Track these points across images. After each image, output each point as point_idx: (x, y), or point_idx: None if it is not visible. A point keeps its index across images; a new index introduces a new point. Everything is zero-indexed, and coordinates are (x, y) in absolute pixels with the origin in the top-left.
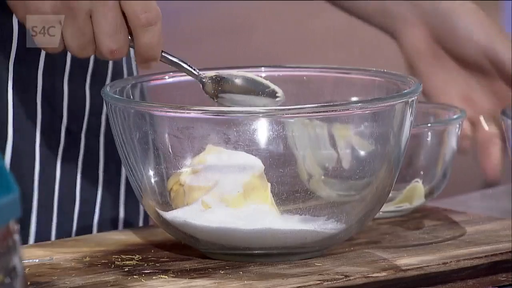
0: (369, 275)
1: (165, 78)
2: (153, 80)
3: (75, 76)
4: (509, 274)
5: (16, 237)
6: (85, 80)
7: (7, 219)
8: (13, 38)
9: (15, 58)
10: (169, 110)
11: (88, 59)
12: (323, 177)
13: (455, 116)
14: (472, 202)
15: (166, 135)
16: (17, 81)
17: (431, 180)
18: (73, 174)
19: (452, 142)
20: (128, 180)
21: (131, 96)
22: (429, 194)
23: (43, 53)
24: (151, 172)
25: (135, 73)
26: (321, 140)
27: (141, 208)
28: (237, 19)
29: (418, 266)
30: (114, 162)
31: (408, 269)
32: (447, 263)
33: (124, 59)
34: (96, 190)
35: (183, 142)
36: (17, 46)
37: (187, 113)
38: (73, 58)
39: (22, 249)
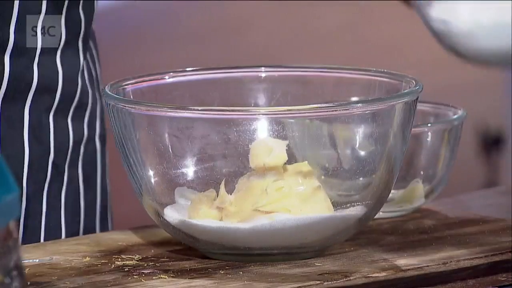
0: (369, 275)
1: (165, 78)
2: (153, 80)
3: (59, 110)
4: (509, 274)
5: (16, 237)
6: (68, 112)
7: (7, 219)
8: (3, 77)
9: (3, 96)
10: (169, 110)
11: (76, 91)
12: (323, 177)
13: (455, 116)
14: (472, 202)
15: (166, 135)
16: (3, 119)
17: (431, 180)
18: (58, 207)
19: (452, 142)
20: (102, 206)
21: (131, 96)
22: (429, 194)
23: (31, 90)
24: (151, 172)
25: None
26: (321, 140)
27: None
28: (237, 19)
29: (418, 266)
30: (90, 189)
31: (408, 269)
32: (447, 263)
33: (95, 90)
34: (79, 219)
35: (183, 142)
36: (7, 85)
37: (187, 113)
38: (63, 92)
39: (22, 249)
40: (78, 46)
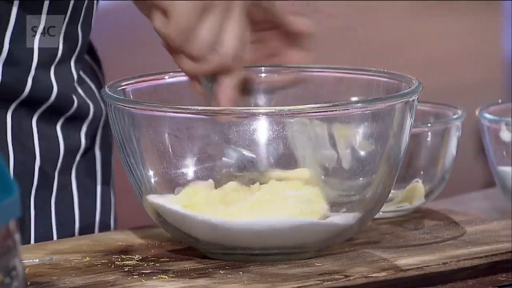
0: (369, 275)
1: (165, 78)
2: (153, 80)
3: (44, 117)
4: (509, 274)
5: (16, 237)
6: (56, 121)
7: (7, 219)
8: None
9: None
10: (169, 110)
11: (71, 106)
12: (323, 177)
13: (455, 116)
14: (472, 202)
15: (166, 135)
16: None
17: (431, 180)
18: (47, 213)
19: (452, 142)
20: (104, 216)
21: (131, 96)
22: (429, 194)
23: (19, 99)
24: (151, 172)
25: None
26: (321, 140)
27: None
28: None
29: (418, 266)
30: (88, 198)
31: (408, 269)
32: (447, 263)
33: (98, 102)
34: (73, 228)
35: (183, 142)
36: None
37: (187, 113)
38: (53, 104)
39: (22, 249)
40: (70, 64)
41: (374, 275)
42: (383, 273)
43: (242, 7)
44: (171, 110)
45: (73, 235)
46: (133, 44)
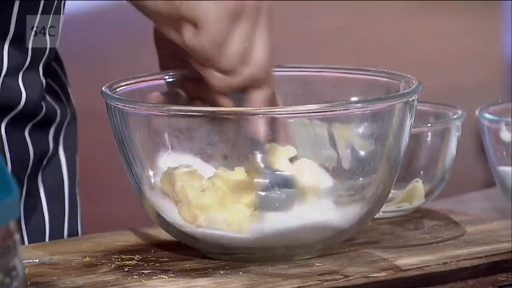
0: (369, 275)
1: (165, 78)
2: (153, 80)
3: (13, 122)
4: (509, 274)
5: (16, 237)
6: (24, 126)
7: (7, 219)
8: None
9: None
10: (169, 110)
11: (39, 112)
12: None
13: (455, 116)
14: (472, 202)
15: (166, 135)
16: None
17: (431, 180)
18: (17, 221)
19: (452, 142)
20: (72, 217)
21: (131, 96)
22: (429, 194)
23: None
24: (151, 172)
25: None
26: (321, 140)
27: None
28: None
29: (418, 266)
30: (57, 201)
31: (408, 269)
32: (447, 263)
33: (64, 107)
34: (44, 231)
35: (183, 142)
36: None
37: (187, 113)
38: (22, 111)
39: (22, 249)
40: (39, 70)
41: (374, 275)
42: (383, 273)
43: (269, 15)
44: (171, 110)
45: (44, 240)
46: (133, 44)
